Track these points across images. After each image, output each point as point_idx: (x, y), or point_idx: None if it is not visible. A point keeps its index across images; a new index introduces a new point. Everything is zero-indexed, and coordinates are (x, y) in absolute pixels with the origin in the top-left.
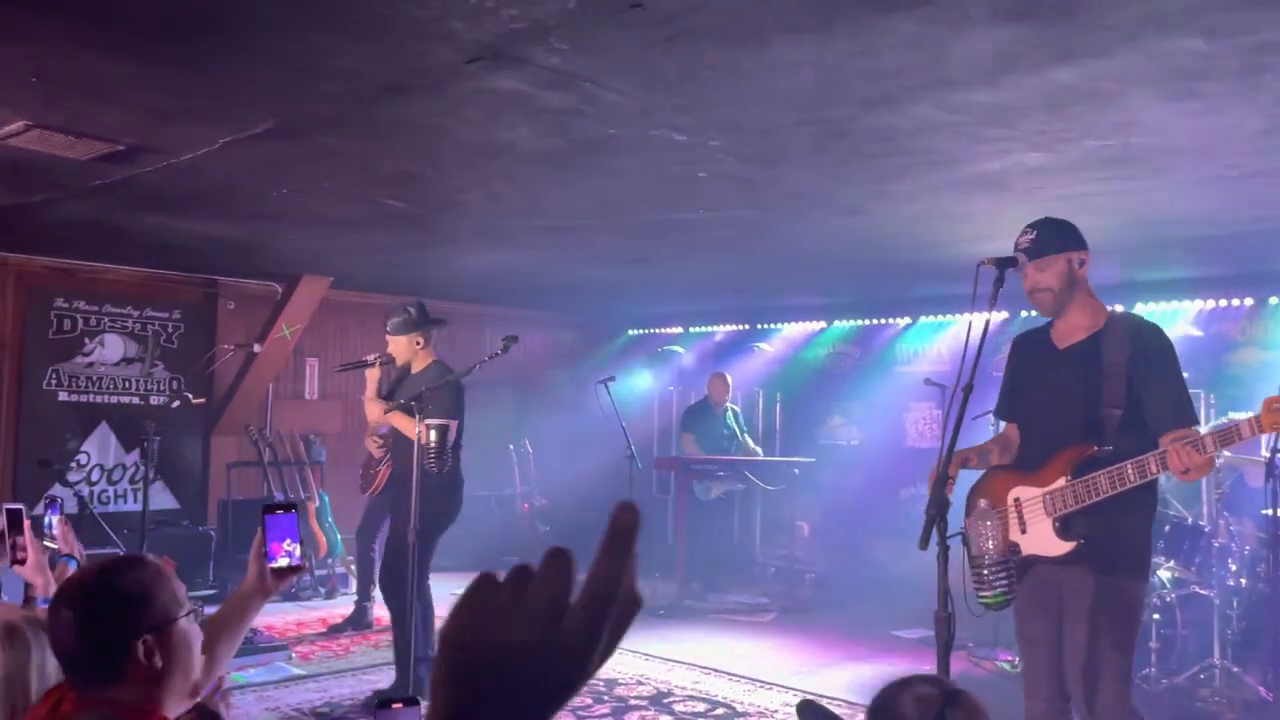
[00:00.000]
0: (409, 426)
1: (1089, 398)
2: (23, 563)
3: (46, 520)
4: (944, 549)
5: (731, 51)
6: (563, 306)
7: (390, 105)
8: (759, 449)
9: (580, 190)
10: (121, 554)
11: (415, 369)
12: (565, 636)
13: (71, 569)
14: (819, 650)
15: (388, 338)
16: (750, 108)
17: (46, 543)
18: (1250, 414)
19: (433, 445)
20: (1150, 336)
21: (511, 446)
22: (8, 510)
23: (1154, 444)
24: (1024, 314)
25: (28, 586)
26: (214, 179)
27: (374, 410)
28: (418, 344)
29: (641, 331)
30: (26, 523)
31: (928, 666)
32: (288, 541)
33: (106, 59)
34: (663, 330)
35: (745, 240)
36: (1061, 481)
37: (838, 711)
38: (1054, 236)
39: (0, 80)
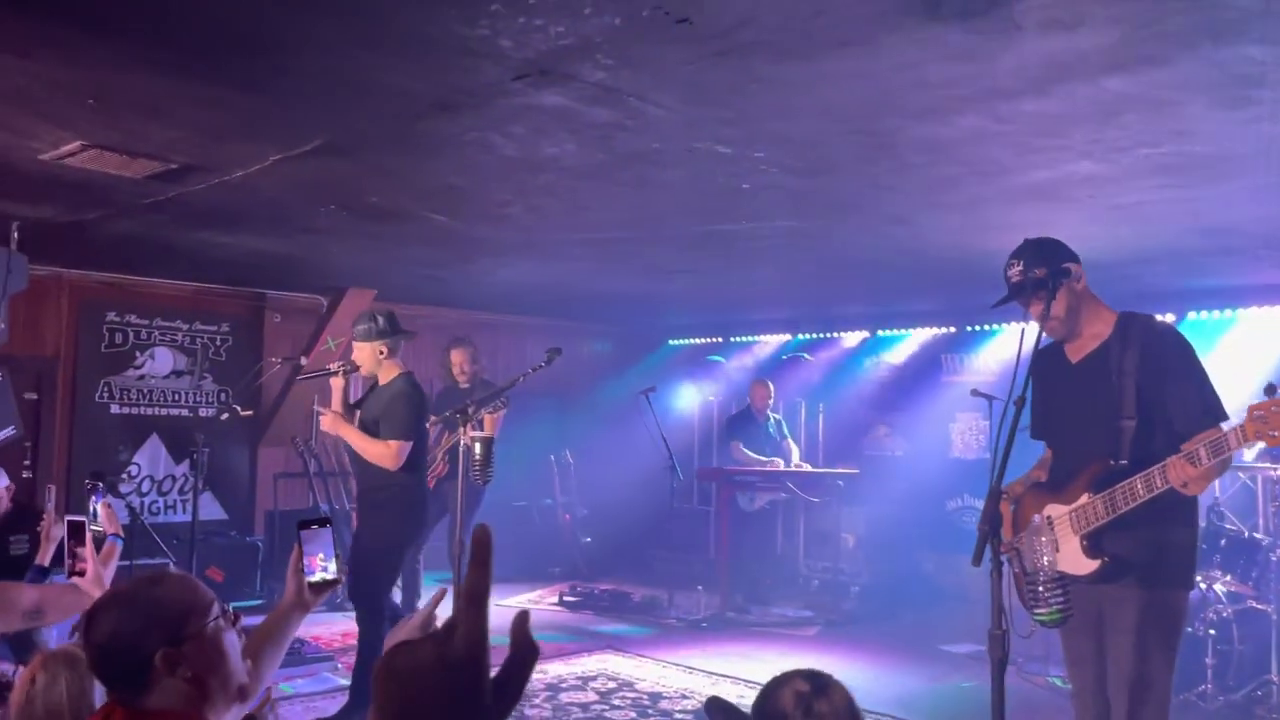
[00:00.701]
0: (365, 445)
1: (1104, 410)
2: (82, 574)
3: (91, 508)
4: (997, 565)
5: (780, 65)
6: (605, 318)
7: (437, 121)
8: (804, 465)
9: (624, 203)
10: (145, 572)
11: (382, 380)
12: (456, 643)
13: (119, 547)
14: (865, 664)
15: (353, 344)
16: (797, 120)
17: (94, 526)
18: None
19: (477, 457)
20: (1159, 339)
21: (552, 457)
22: (69, 522)
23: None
24: None
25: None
26: (264, 195)
27: (328, 420)
28: (381, 353)
29: (683, 342)
30: (88, 535)
31: (977, 681)
32: (322, 555)
33: (161, 80)
34: (705, 340)
35: (790, 251)
36: (1084, 498)
37: None
38: (1043, 262)
39: (58, 102)
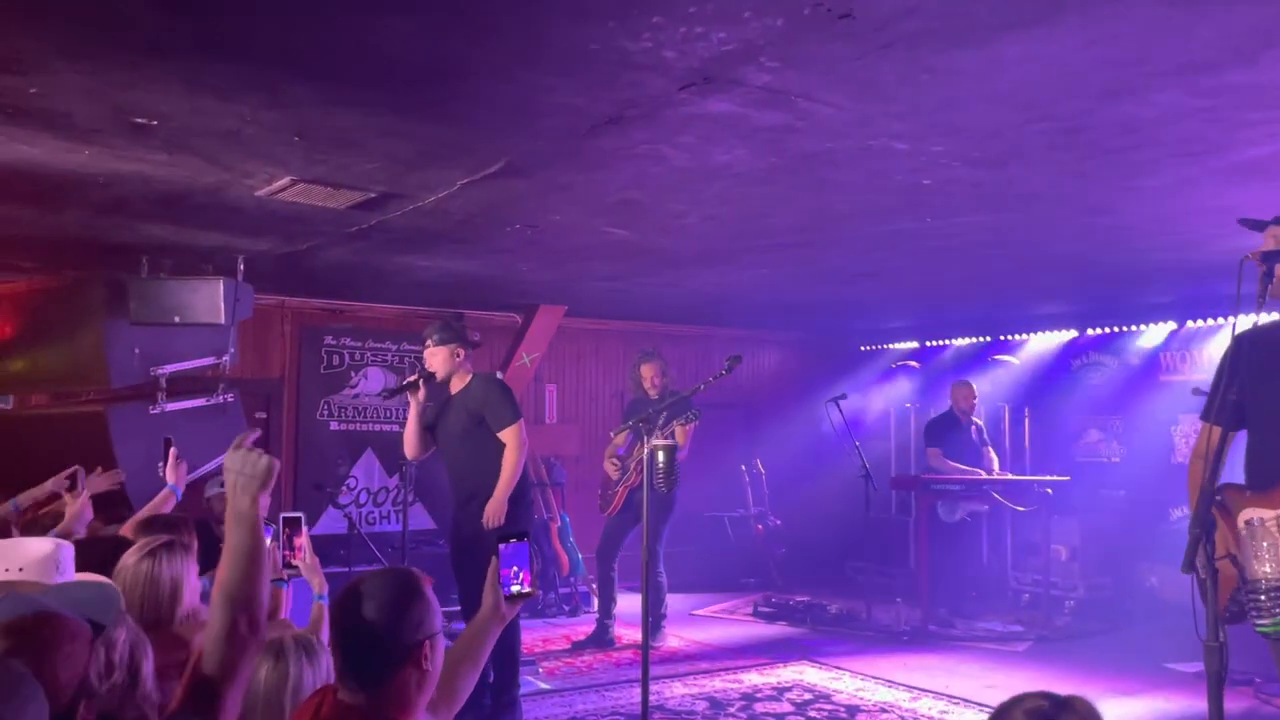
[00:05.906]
0: (508, 464)
1: None
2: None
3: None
4: (1212, 571)
5: (950, 53)
6: (791, 324)
7: (608, 136)
8: (997, 466)
9: (801, 206)
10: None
11: (456, 387)
12: None
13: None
14: (1080, 683)
15: (427, 351)
16: (974, 109)
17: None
18: None
19: (660, 465)
20: None
21: (743, 467)
22: (284, 518)
23: None
24: None
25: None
26: (455, 218)
27: (414, 444)
28: (457, 355)
29: (874, 347)
30: (304, 530)
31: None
32: (518, 569)
33: (354, 114)
34: (896, 345)
35: (980, 247)
36: None
37: None
38: None
39: (269, 141)
